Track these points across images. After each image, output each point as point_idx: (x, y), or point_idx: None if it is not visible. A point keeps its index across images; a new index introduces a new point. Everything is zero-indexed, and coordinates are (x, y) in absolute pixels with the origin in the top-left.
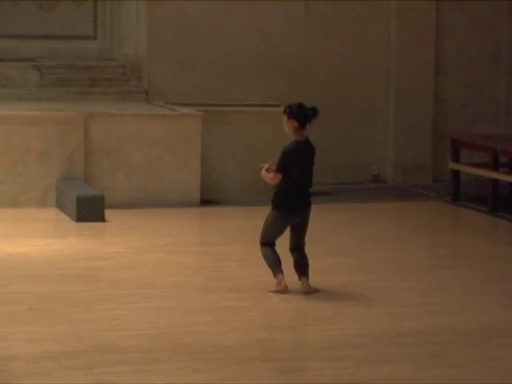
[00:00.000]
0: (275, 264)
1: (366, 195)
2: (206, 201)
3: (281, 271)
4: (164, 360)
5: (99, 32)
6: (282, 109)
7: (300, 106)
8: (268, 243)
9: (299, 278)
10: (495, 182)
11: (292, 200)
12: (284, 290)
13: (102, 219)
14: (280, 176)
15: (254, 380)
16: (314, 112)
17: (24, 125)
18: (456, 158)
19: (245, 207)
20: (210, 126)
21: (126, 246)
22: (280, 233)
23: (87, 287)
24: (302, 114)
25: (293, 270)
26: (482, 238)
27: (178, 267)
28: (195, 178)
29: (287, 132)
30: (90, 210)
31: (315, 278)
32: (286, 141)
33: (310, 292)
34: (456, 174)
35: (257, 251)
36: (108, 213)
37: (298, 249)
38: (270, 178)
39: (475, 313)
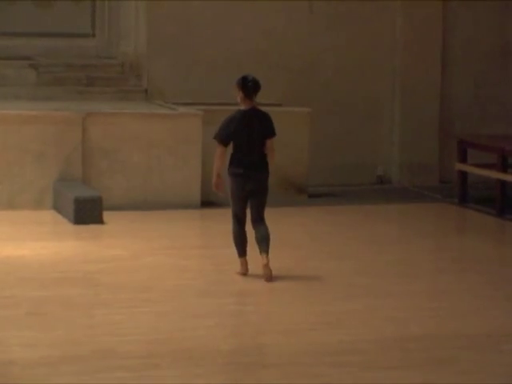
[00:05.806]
0: (238, 245)
1: (371, 197)
2: (206, 202)
3: (243, 254)
4: (164, 365)
5: (98, 30)
6: (283, 108)
7: (244, 77)
8: (236, 219)
9: (260, 253)
10: (503, 183)
11: (242, 166)
12: (243, 274)
13: (101, 221)
14: (221, 147)
15: None
16: (253, 84)
17: (20, 124)
18: (463, 159)
19: None
20: (210, 125)
21: (125, 248)
22: (240, 205)
23: (85, 291)
24: (244, 85)
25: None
26: (489, 240)
27: (178, 270)
28: (195, 179)
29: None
30: (87, 212)
31: (319, 280)
32: (286, 139)
33: (267, 274)
34: (463, 175)
35: (258, 254)
36: (106, 215)
37: (258, 221)
38: (217, 153)
39: (482, 317)
